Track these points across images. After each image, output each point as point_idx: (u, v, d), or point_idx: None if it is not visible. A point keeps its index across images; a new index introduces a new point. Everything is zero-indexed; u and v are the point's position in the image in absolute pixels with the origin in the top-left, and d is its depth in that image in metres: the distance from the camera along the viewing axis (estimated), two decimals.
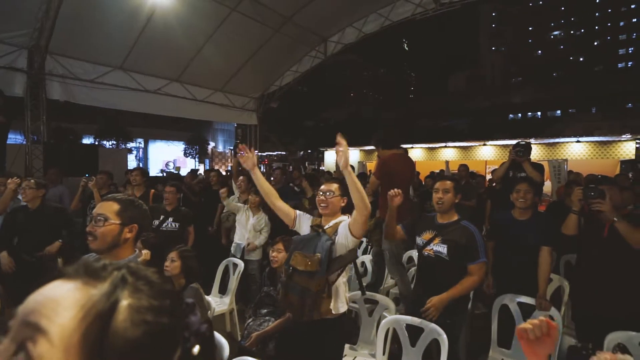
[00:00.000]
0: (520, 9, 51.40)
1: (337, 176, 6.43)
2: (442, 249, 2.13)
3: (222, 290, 3.52)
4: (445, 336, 1.96)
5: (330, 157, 14.28)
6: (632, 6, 47.39)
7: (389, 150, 3.40)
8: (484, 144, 11.33)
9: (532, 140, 10.16)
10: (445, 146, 12.19)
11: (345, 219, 1.99)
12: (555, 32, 54.32)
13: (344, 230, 1.88)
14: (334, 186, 2.01)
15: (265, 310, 2.32)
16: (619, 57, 48.91)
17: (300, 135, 30.14)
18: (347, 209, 2.08)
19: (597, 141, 9.46)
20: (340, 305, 1.90)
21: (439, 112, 34.54)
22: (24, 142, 6.18)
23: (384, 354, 2.23)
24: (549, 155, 10.06)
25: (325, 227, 1.96)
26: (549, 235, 2.49)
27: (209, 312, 2.43)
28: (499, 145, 10.83)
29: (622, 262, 2.21)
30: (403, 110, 36.30)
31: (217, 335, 1.76)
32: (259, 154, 14.03)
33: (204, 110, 8.62)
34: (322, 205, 1.99)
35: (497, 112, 33.90)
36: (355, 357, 2.42)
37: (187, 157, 25.03)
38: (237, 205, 3.90)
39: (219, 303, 3.32)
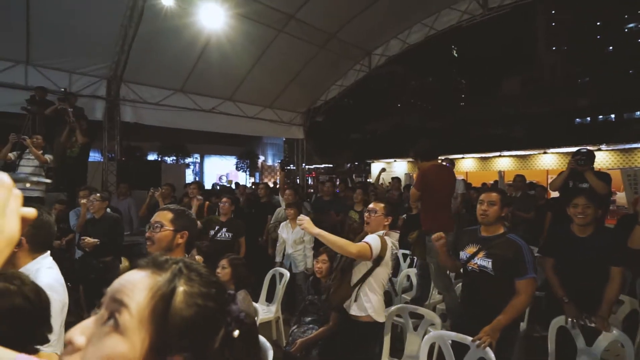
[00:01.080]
0: (584, 3, 47.17)
1: (380, 189, 6.38)
2: (487, 263, 2.05)
3: (269, 299, 3.67)
4: (492, 355, 1.87)
5: (375, 169, 14.17)
6: None
7: (428, 161, 3.35)
8: (544, 152, 10.52)
9: (604, 146, 9.23)
10: (500, 155, 11.52)
11: (377, 234, 2.20)
12: (631, 25, 48.85)
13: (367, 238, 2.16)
14: (380, 206, 2.25)
15: (309, 319, 2.40)
16: None
17: (347, 148, 30.30)
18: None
19: None
20: (372, 312, 2.09)
21: (491, 119, 32.64)
22: (101, 160, 7.05)
23: None
24: (624, 163, 9.04)
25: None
26: (615, 253, 2.25)
27: (256, 317, 2.56)
28: (562, 153, 9.98)
29: None
30: (450, 119, 34.82)
31: (262, 339, 1.87)
32: (307, 167, 14.37)
33: (254, 126, 9.12)
34: (366, 223, 2.27)
35: (559, 116, 31.09)
36: None
37: (238, 170, 26.37)
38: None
39: (265, 311, 3.46)
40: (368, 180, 15.10)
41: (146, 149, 23.16)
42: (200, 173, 25.71)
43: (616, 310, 2.92)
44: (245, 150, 26.45)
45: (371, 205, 2.27)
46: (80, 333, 0.51)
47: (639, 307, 2.68)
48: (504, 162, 11.39)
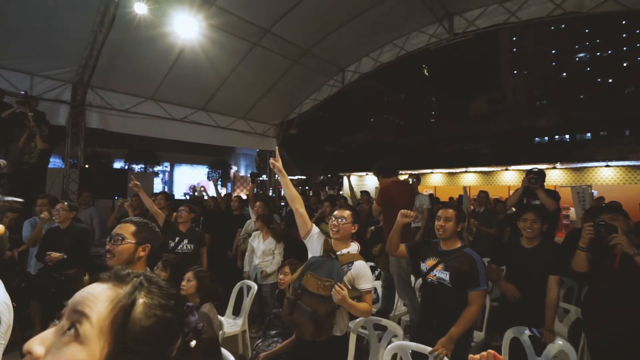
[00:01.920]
0: (540, 33, 51.17)
1: (353, 202, 6.52)
2: (445, 275, 2.17)
3: (237, 312, 3.62)
4: None
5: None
6: None
7: (389, 178, 3.52)
8: (506, 169, 11.15)
9: (558, 165, 9.92)
10: (466, 171, 12.07)
11: (355, 250, 2.12)
12: (580, 54, 53.37)
13: (361, 273, 2.02)
14: (347, 213, 2.13)
15: (274, 332, 2.40)
16: None
17: (320, 161, 30.57)
18: (357, 235, 2.21)
19: (628, 165, 9.10)
20: (342, 326, 2.01)
21: (460, 136, 34.19)
22: (63, 166, 6.71)
23: None
24: (576, 181, 9.73)
25: (338, 253, 2.06)
26: (555, 264, 2.46)
27: (221, 332, 2.53)
28: (522, 170, 10.62)
29: (636, 293, 2.16)
30: (421, 135, 36.14)
31: (226, 352, 1.86)
32: (279, 179, 14.33)
33: (227, 137, 9.04)
34: (333, 229, 2.11)
35: (521, 136, 33.12)
36: None
37: (209, 180, 25.83)
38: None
39: (232, 324, 3.41)
40: (340, 192, 15.27)
41: (113, 155, 22.22)
42: (169, 182, 24.94)
43: (562, 319, 3.14)
44: (217, 160, 26.03)
45: (337, 212, 2.14)
46: (39, 343, 0.53)
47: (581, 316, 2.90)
48: (470, 178, 11.93)
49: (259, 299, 3.81)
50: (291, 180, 2.35)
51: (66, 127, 6.33)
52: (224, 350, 1.79)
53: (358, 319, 2.69)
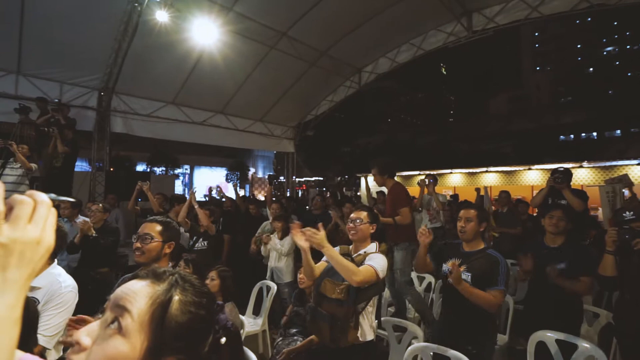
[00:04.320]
0: (565, 27, 49.39)
1: (369, 202, 6.49)
2: (467, 277, 2.12)
3: (257, 312, 3.67)
4: None
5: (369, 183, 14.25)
6: None
7: (392, 179, 3.61)
8: (529, 169, 10.81)
9: (585, 163, 9.54)
10: (487, 171, 11.77)
11: (374, 249, 2.07)
12: (609, 48, 51.17)
13: (373, 256, 1.96)
14: (363, 214, 2.11)
15: (294, 330, 2.42)
16: None
17: (337, 161, 30.54)
18: (376, 235, 2.16)
19: None
20: (367, 333, 1.95)
21: (480, 135, 33.39)
22: (89, 170, 6.99)
23: None
24: (605, 180, 9.34)
25: (354, 255, 2.05)
26: (582, 264, 2.37)
27: (242, 331, 2.57)
28: (546, 169, 10.27)
29: None
30: (439, 135, 35.52)
31: (248, 350, 1.89)
32: (297, 179, 14.41)
33: (245, 139, 9.18)
34: (352, 232, 2.10)
35: (544, 134, 32.01)
36: None
37: (228, 182, 26.28)
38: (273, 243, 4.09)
39: (252, 324, 3.46)
40: (357, 193, 15.21)
41: (135, 159, 22.95)
42: (189, 184, 25.52)
43: (592, 323, 3.02)
44: (235, 162, 26.44)
45: (353, 215, 2.12)
46: (86, 334, 0.57)
47: (612, 320, 2.78)
48: (491, 178, 11.63)
49: (278, 299, 3.85)
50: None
51: (93, 132, 6.60)
52: (245, 349, 1.83)
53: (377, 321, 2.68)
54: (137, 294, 0.59)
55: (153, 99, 7.24)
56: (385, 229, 3.53)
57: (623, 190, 5.54)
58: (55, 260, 1.81)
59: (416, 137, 35.86)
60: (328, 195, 8.43)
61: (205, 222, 3.62)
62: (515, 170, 11.20)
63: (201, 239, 3.79)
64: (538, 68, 52.63)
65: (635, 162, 8.92)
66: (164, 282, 0.62)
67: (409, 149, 27.55)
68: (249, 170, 27.62)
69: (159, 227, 1.63)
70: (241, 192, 23.16)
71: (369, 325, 1.97)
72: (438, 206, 5.31)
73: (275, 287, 3.56)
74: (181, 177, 25.29)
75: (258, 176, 27.47)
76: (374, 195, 7.00)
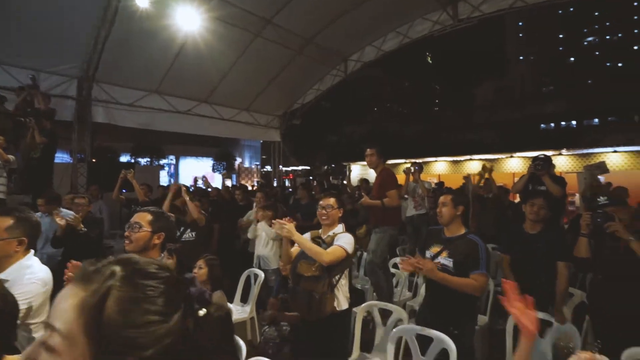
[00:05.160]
0: (549, 17, 50.08)
1: (350, 190, 6.55)
2: (449, 262, 2.21)
3: (244, 299, 3.71)
4: (453, 345, 2.02)
5: (353, 171, 14.38)
6: None
7: (383, 163, 3.87)
8: (511, 156, 11.08)
9: (564, 151, 9.85)
10: (471, 159, 12.01)
11: (341, 229, 2.31)
12: (589, 38, 52.21)
13: (341, 236, 2.24)
14: (332, 200, 2.34)
15: None
16: None
17: (324, 150, 30.51)
18: (343, 218, 2.42)
19: (636, 151, 8.97)
20: (342, 303, 2.20)
21: (464, 124, 33.87)
22: (71, 161, 6.81)
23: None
24: (582, 167, 9.68)
25: (324, 237, 2.29)
26: (559, 249, 2.51)
27: None
28: (527, 157, 10.54)
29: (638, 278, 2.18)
30: (425, 123, 35.85)
31: (236, 337, 1.93)
32: (284, 168, 14.37)
33: (231, 129, 9.09)
34: (323, 218, 2.33)
35: (527, 123, 32.73)
36: None
37: (215, 172, 25.95)
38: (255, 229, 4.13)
39: (240, 311, 3.50)
40: (344, 182, 15.30)
41: (119, 149, 22.35)
42: (175, 175, 25.10)
43: (567, 302, 3.18)
44: (221, 152, 26.07)
45: (322, 202, 2.34)
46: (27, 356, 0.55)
47: (586, 300, 2.94)
48: (475, 165, 11.87)
49: (266, 286, 3.89)
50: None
51: (73, 122, 6.40)
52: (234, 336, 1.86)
53: (363, 305, 2.76)
54: (63, 308, 0.53)
55: (135, 88, 7.05)
56: (371, 212, 3.71)
57: (599, 176, 5.74)
58: (32, 251, 1.72)
59: (402, 125, 36.05)
60: (315, 184, 8.47)
61: (196, 214, 3.59)
62: (498, 158, 11.46)
63: (189, 230, 3.77)
64: (521, 57, 53.36)
65: (611, 149, 9.26)
66: (92, 282, 0.54)
67: (395, 137, 27.73)
68: (236, 160, 27.33)
69: (149, 217, 1.63)
70: (228, 183, 22.93)
71: (343, 295, 2.23)
72: (423, 192, 5.42)
73: (263, 275, 3.60)
74: (166, 168, 24.82)
75: (245, 166, 27.24)
76: (355, 183, 7.12)
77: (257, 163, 27.18)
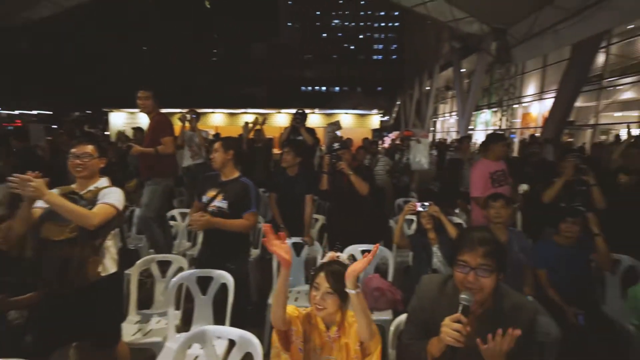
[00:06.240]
0: None
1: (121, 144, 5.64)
2: (224, 204, 2.35)
3: None
4: (231, 278, 2.23)
5: (116, 119, 12.23)
6: (382, 13, 62.22)
7: (158, 109, 3.71)
8: (279, 112, 12.63)
9: (317, 110, 12.22)
10: (245, 112, 12.84)
11: (105, 184, 1.96)
12: (336, 21, 64.44)
13: (107, 191, 1.87)
14: (90, 147, 1.91)
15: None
16: (375, 51, 63.69)
17: (73, 92, 23.77)
18: (104, 170, 2.03)
19: (358, 114, 12.55)
20: (109, 266, 1.89)
21: (242, 78, 35.18)
22: None
23: (177, 309, 2.33)
24: (328, 122, 12.57)
25: (82, 193, 1.86)
26: (308, 186, 3.25)
27: None
28: (291, 113, 12.33)
29: (359, 203, 3.14)
30: (207, 75, 34.72)
31: None
32: (7, 112, 10.28)
33: None
34: (78, 169, 1.87)
35: (292, 83, 37.92)
36: (149, 319, 2.39)
37: None
38: None
39: None
40: (105, 133, 12.69)
41: None
42: None
43: (314, 226, 4.13)
44: None
45: (76, 150, 1.88)
46: None
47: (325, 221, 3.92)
48: (248, 118, 12.80)
49: None
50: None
51: None
52: None
53: (139, 261, 2.55)
54: None
55: None
56: (142, 163, 3.42)
57: (336, 131, 7.49)
58: None
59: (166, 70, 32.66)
60: (61, 132, 6.61)
61: None
62: (269, 113, 12.82)
63: None
64: (290, 24, 59.62)
65: (344, 111, 12.44)
66: None
67: (164, 82, 25.10)
68: None
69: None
70: None
71: (110, 258, 1.91)
72: (201, 141, 5.33)
73: None
74: None
75: None
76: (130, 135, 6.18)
77: None
